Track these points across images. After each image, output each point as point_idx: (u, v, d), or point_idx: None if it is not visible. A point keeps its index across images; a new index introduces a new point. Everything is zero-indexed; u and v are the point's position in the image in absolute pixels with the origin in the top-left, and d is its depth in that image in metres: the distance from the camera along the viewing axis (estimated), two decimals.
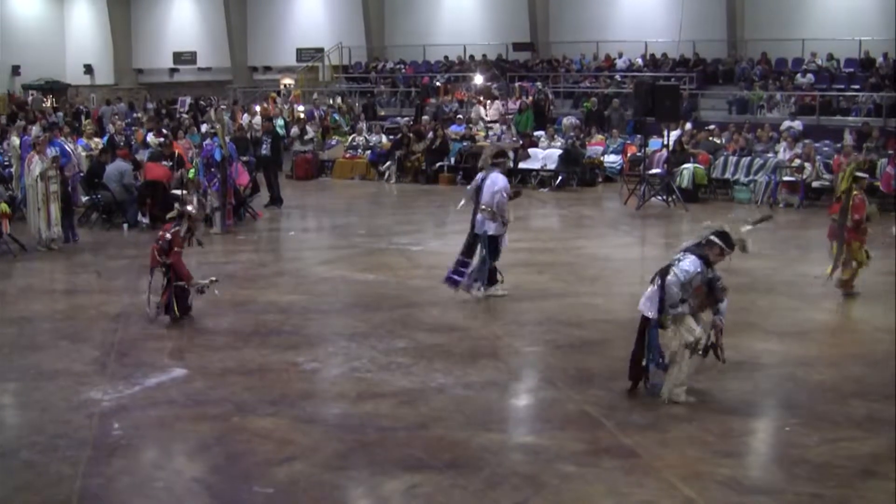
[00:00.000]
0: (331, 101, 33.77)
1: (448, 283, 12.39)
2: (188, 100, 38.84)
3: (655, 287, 8.57)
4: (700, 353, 8.50)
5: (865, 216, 12.60)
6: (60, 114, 35.41)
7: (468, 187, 12.77)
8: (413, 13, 39.43)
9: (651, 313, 8.50)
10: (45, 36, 44.99)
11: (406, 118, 31.41)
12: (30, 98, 39.81)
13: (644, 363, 8.66)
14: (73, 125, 27.60)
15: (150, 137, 24.24)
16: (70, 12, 46.54)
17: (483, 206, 12.20)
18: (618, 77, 32.61)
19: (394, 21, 40.04)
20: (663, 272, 8.56)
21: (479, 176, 12.49)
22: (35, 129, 19.54)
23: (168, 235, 11.29)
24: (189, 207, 11.66)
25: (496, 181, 12.25)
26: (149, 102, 39.56)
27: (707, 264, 8.44)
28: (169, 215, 11.76)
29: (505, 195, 12.19)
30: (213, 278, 11.58)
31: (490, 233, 12.22)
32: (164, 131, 25.66)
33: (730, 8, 32.63)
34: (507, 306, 11.99)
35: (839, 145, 22.58)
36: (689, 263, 8.44)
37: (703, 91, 31.05)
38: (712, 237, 8.56)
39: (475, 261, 12.30)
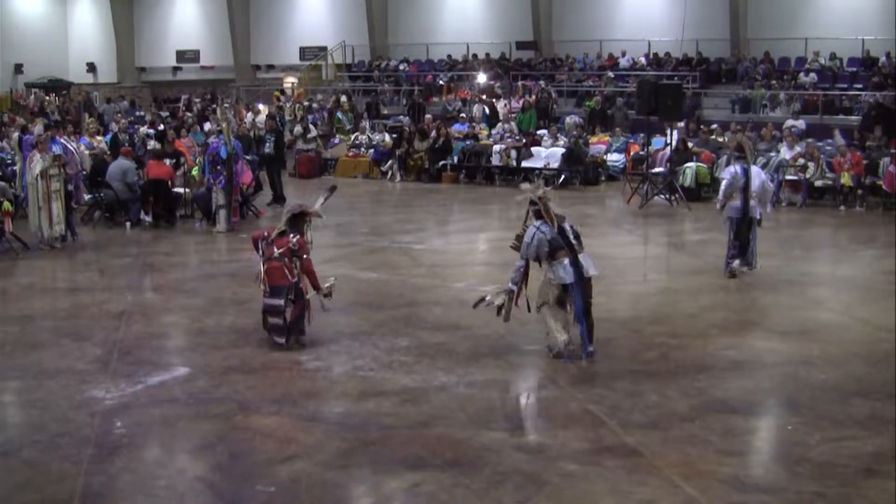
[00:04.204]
0: (332, 98, 33.74)
1: (727, 269, 13.73)
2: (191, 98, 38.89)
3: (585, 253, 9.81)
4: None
5: None
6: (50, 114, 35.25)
7: (730, 182, 13.68)
8: (416, 12, 39.45)
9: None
10: (47, 34, 44.99)
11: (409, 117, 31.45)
12: (32, 97, 39.81)
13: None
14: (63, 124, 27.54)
15: (151, 140, 24.23)
16: (73, 10, 46.54)
17: (754, 194, 13.54)
18: (611, 74, 32.51)
19: (397, 19, 40.04)
20: (578, 238, 9.86)
21: (739, 169, 13.60)
22: (37, 128, 19.50)
23: (293, 244, 10.21)
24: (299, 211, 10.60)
25: (760, 172, 14.17)
26: (195, 98, 38.80)
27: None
28: (279, 228, 10.46)
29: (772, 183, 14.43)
30: (333, 279, 10.71)
31: (758, 216, 13.69)
32: (161, 127, 25.70)
33: (733, 7, 32.65)
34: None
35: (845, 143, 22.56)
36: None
37: (706, 90, 31.01)
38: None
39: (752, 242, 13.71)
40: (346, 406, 8.47)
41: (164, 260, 15.55)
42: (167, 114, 33.45)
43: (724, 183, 13.96)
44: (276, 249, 10.27)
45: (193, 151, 21.17)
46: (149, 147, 23.11)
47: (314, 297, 10.45)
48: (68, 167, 16.98)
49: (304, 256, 10.29)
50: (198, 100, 37.86)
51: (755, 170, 14.02)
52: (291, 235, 10.33)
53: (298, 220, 10.55)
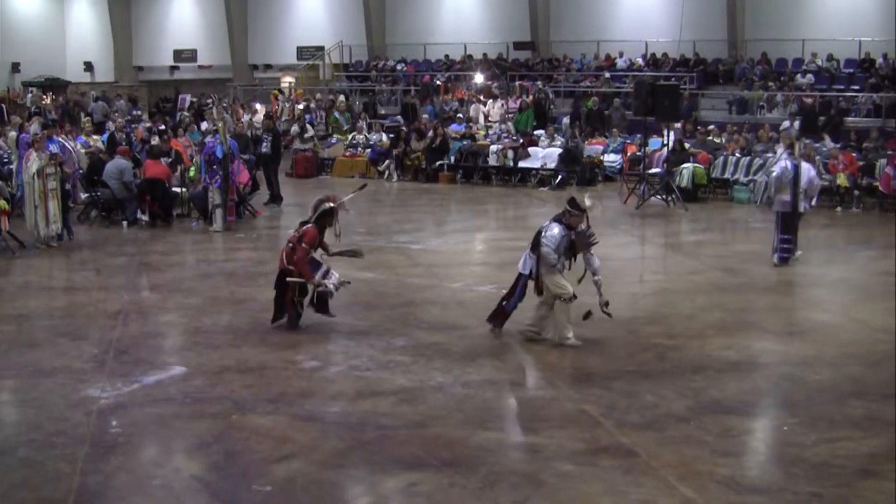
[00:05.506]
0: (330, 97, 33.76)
1: (781, 262, 14.31)
2: (188, 97, 38.81)
3: (529, 252, 10.35)
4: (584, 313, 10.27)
5: None
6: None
7: (779, 176, 14.44)
8: (414, 11, 39.40)
9: (525, 271, 10.37)
10: (45, 33, 44.91)
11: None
12: (28, 96, 39.73)
13: (507, 307, 10.53)
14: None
15: (155, 140, 24.15)
16: (70, 9, 46.47)
17: (802, 189, 14.26)
18: (608, 75, 32.56)
19: (394, 19, 40.00)
20: (536, 242, 10.25)
21: (790, 164, 14.34)
22: (34, 127, 19.45)
23: (299, 232, 10.77)
24: (330, 203, 10.87)
25: (810, 168, 14.73)
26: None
27: (568, 227, 10.27)
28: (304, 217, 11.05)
29: (818, 180, 15.35)
30: (346, 281, 11.07)
31: (802, 210, 14.44)
32: (162, 127, 25.66)
33: (730, 8, 32.63)
34: None
35: (836, 146, 22.59)
36: (555, 231, 10.23)
37: (703, 91, 31.04)
38: (566, 206, 10.40)
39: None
40: (342, 406, 8.47)
41: (160, 259, 15.54)
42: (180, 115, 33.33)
43: (773, 176, 14.72)
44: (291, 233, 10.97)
45: (190, 151, 21.14)
46: (153, 142, 22.96)
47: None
48: (66, 166, 16.95)
49: (302, 245, 10.63)
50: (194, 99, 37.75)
51: (805, 166, 14.55)
52: (308, 225, 10.75)
53: (325, 213, 10.86)
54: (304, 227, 10.77)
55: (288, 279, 10.76)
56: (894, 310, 11.40)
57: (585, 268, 10.40)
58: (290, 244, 10.76)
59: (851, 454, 7.34)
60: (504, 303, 10.64)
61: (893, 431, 7.71)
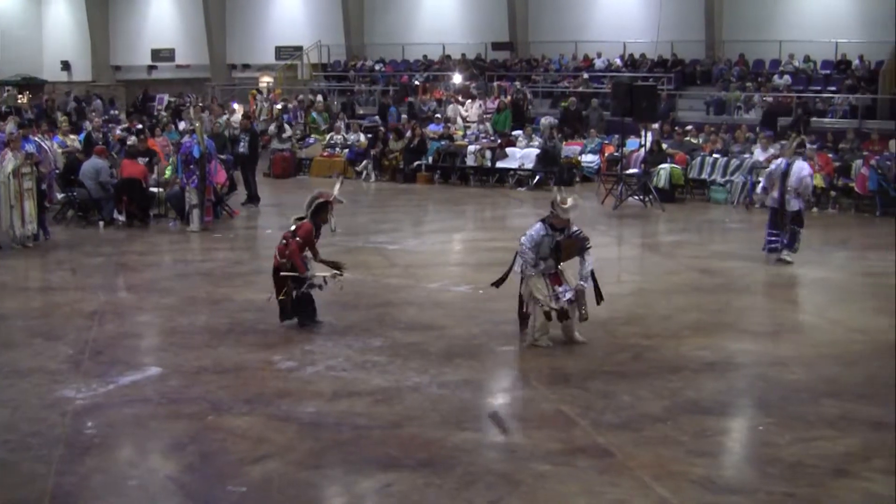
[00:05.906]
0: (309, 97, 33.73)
1: (768, 252, 14.97)
2: (166, 97, 38.69)
3: None
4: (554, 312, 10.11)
5: None
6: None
7: (769, 172, 15.40)
8: (392, 12, 39.42)
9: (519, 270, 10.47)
10: (22, 32, 44.73)
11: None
12: (4, 94, 39.52)
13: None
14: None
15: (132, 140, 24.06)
16: (48, 8, 46.30)
17: (791, 188, 14.63)
18: (586, 75, 32.66)
19: (373, 19, 40.01)
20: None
21: (784, 162, 14.97)
22: (9, 126, 19.36)
23: (293, 228, 10.85)
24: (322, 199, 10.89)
25: (803, 167, 14.88)
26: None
27: (553, 228, 10.13)
28: (297, 215, 11.03)
29: (812, 180, 15.43)
30: (338, 272, 11.05)
31: (795, 209, 14.72)
32: (139, 126, 25.58)
33: (708, 9, 32.76)
34: (483, 306, 11.98)
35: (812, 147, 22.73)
36: (534, 229, 10.15)
37: (680, 92, 31.16)
38: (551, 208, 10.25)
39: (786, 232, 14.82)
40: (318, 406, 8.45)
41: (137, 259, 15.48)
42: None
43: (766, 172, 15.74)
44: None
45: (168, 150, 21.07)
46: (129, 143, 22.86)
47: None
48: (42, 165, 16.86)
49: (296, 238, 10.68)
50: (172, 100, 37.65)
51: (798, 165, 14.89)
52: (302, 220, 10.80)
53: (320, 209, 10.88)
54: (300, 223, 10.82)
55: (282, 273, 10.75)
56: (895, 311, 11.47)
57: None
58: (284, 240, 10.78)
59: (826, 454, 7.38)
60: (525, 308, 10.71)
61: (867, 431, 7.78)
